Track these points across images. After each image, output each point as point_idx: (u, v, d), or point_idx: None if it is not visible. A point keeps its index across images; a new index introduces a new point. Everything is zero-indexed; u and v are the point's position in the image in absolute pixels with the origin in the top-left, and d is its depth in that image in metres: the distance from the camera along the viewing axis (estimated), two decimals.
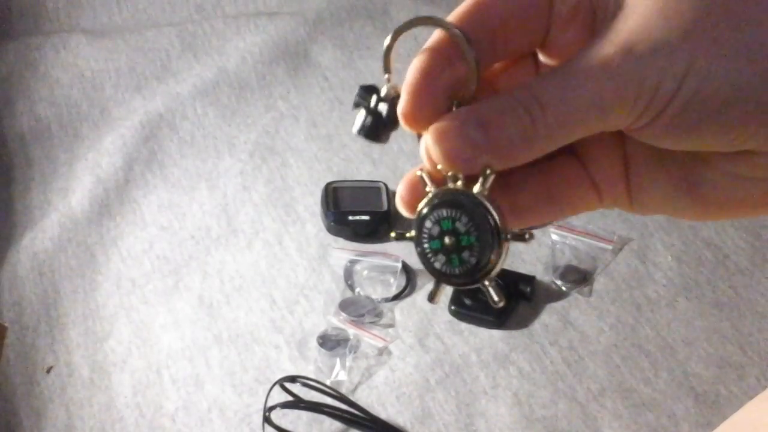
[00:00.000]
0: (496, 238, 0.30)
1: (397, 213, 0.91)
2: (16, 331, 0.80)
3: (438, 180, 0.32)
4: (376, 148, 0.99)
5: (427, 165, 0.33)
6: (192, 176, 0.95)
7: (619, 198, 0.35)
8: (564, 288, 0.85)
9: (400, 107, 0.32)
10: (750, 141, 0.30)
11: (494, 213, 0.30)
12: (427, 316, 0.82)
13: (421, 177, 0.32)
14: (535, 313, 0.83)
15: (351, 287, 0.84)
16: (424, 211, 0.32)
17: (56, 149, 0.97)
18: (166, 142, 0.98)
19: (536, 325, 0.82)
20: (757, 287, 0.86)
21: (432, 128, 0.31)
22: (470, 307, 0.82)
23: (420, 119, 0.32)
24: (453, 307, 0.82)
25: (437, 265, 0.31)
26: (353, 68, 1.09)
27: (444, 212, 0.31)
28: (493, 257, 0.30)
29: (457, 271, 0.31)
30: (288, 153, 0.98)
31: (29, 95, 1.02)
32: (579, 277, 0.86)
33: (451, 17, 0.31)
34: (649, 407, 0.76)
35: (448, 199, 0.31)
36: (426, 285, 0.85)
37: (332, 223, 0.89)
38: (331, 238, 0.89)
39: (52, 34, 1.10)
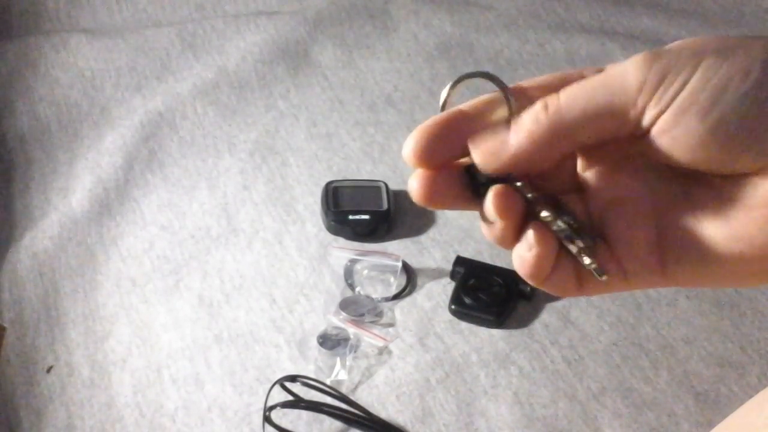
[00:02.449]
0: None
1: (397, 212, 0.91)
2: (16, 331, 0.80)
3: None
4: (376, 147, 0.99)
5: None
6: (192, 176, 0.95)
7: (648, 277, 0.36)
8: None
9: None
10: (745, 158, 0.32)
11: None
12: (428, 315, 0.82)
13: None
14: (535, 312, 0.83)
15: (351, 287, 0.84)
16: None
17: (56, 149, 0.97)
18: (166, 141, 0.98)
19: (536, 325, 0.82)
20: (757, 286, 0.86)
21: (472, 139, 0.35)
22: (470, 307, 0.82)
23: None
24: (453, 307, 0.82)
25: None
26: (353, 68, 1.08)
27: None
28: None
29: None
30: (288, 152, 0.98)
31: (29, 95, 1.02)
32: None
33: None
34: (650, 406, 0.76)
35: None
36: (426, 284, 0.85)
37: (332, 223, 0.89)
38: (331, 238, 0.89)
39: (52, 34, 1.10)
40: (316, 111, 1.03)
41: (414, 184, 0.36)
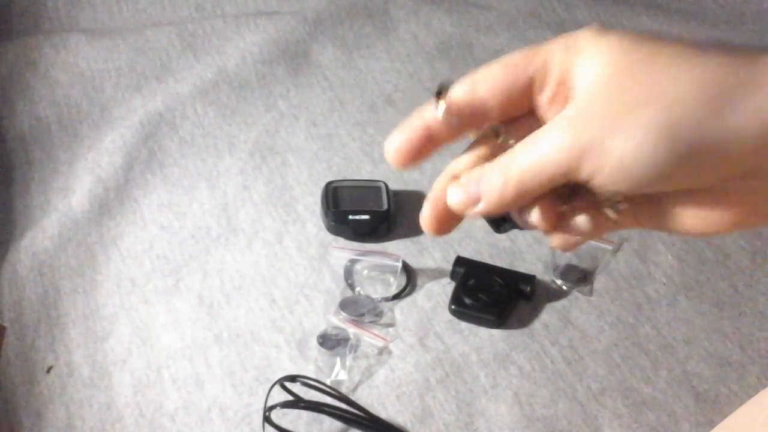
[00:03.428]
0: None
1: (397, 212, 0.91)
2: (16, 331, 0.80)
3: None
4: (376, 147, 0.99)
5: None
6: (192, 176, 0.95)
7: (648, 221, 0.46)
8: (564, 287, 0.85)
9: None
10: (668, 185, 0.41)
11: None
12: (428, 315, 0.82)
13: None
14: (535, 312, 0.83)
15: (351, 287, 0.84)
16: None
17: (56, 149, 0.97)
18: (166, 141, 0.98)
19: (536, 325, 0.82)
20: (757, 286, 0.86)
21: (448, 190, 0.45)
22: (470, 307, 0.82)
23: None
24: (453, 307, 0.82)
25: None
26: (353, 68, 1.09)
27: None
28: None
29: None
30: (288, 152, 0.98)
31: (29, 95, 1.02)
32: (579, 276, 0.86)
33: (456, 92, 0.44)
34: (650, 406, 0.76)
35: None
36: (426, 284, 0.85)
37: (332, 223, 0.89)
38: (331, 238, 0.89)
39: (52, 34, 1.10)
40: (316, 111, 1.03)
41: (425, 223, 0.46)
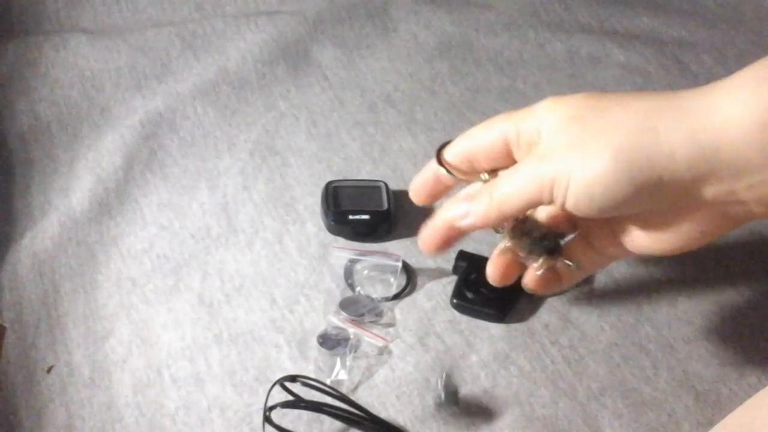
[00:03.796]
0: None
1: (397, 212, 0.91)
2: (16, 331, 0.80)
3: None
4: (376, 147, 0.99)
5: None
6: (192, 175, 0.95)
7: (615, 251, 0.63)
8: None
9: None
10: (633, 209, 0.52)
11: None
12: (428, 315, 0.82)
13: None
14: (536, 307, 0.83)
15: (351, 286, 0.84)
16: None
17: (56, 149, 0.97)
18: (166, 141, 0.98)
19: (537, 324, 0.82)
20: (757, 286, 0.86)
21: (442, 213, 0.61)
22: (472, 301, 0.82)
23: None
24: (455, 301, 0.82)
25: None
26: (353, 68, 1.09)
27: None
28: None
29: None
30: (288, 152, 0.98)
31: (29, 95, 1.02)
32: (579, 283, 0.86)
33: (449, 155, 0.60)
34: (650, 406, 0.76)
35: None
36: (426, 284, 0.85)
37: (332, 223, 0.89)
38: (331, 238, 0.89)
39: (52, 34, 1.10)
40: (316, 111, 1.03)
41: (425, 242, 0.65)
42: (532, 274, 0.66)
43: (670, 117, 0.46)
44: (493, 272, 0.65)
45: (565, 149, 0.49)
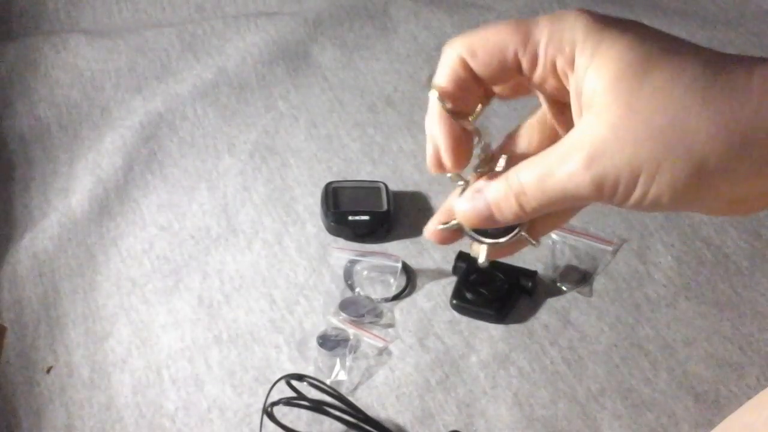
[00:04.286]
0: None
1: (397, 213, 0.91)
2: (16, 331, 0.80)
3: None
4: (376, 148, 0.99)
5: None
6: (192, 176, 0.95)
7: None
8: (564, 288, 0.85)
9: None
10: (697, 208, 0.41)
11: None
12: (427, 316, 0.82)
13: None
14: (536, 308, 0.83)
15: (351, 287, 0.84)
16: None
17: (56, 149, 0.97)
18: (166, 142, 0.98)
19: (536, 325, 0.82)
20: (756, 287, 0.86)
21: (456, 210, 0.45)
22: (472, 301, 0.82)
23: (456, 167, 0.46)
24: (455, 301, 0.82)
25: (488, 231, 0.46)
26: (353, 68, 1.09)
27: None
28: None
29: (503, 230, 0.46)
30: (288, 153, 0.98)
31: (29, 95, 1.02)
32: (579, 277, 0.86)
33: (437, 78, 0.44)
34: (649, 407, 0.76)
35: None
36: (426, 285, 0.85)
37: (332, 223, 0.89)
38: (331, 238, 0.89)
39: (52, 34, 1.10)
40: (316, 112, 1.03)
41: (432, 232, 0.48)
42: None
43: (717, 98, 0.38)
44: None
45: (625, 150, 0.38)
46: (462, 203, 0.44)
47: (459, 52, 0.42)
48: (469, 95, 0.43)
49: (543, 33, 0.41)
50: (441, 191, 0.93)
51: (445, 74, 0.43)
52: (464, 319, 0.82)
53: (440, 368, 0.78)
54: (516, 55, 0.41)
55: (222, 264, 0.87)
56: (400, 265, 0.85)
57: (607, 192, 0.39)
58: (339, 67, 1.08)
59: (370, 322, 0.81)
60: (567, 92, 0.41)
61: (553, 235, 0.88)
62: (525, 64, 0.41)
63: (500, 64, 0.42)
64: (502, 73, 0.42)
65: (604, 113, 0.39)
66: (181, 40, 1.10)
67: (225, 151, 0.98)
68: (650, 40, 0.40)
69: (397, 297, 0.84)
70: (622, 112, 0.38)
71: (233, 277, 0.85)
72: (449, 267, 0.86)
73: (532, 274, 0.84)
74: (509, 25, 0.42)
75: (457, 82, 0.43)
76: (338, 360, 0.78)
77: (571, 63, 0.40)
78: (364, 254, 0.86)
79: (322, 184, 0.92)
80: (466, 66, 0.42)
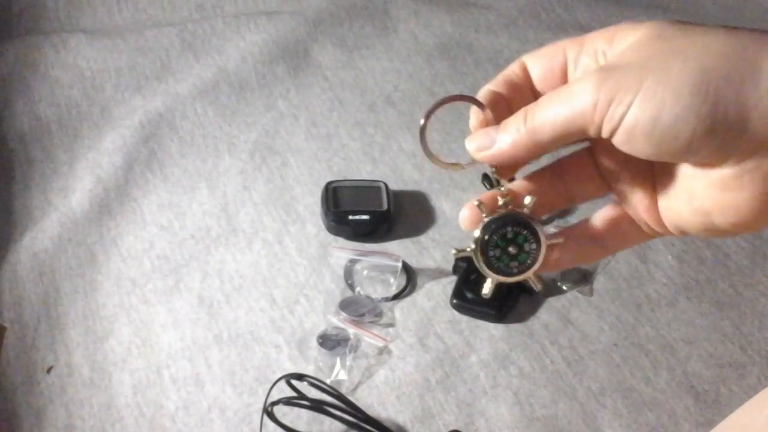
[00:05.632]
0: (543, 246, 0.45)
1: (397, 212, 0.91)
2: (16, 331, 0.80)
3: (490, 207, 0.45)
4: (376, 147, 0.99)
5: (482, 195, 0.46)
6: (192, 176, 0.95)
7: (653, 223, 0.46)
8: (564, 287, 0.85)
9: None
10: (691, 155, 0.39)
11: (540, 229, 0.45)
12: (428, 315, 0.82)
13: (478, 205, 0.45)
14: (536, 308, 0.83)
15: (351, 287, 0.84)
16: (492, 227, 0.45)
17: (56, 149, 0.97)
18: (166, 141, 0.98)
19: (536, 325, 0.82)
20: (757, 286, 0.86)
21: (467, 146, 0.45)
22: (472, 301, 0.82)
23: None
24: (455, 301, 0.82)
25: (499, 266, 0.46)
26: (353, 68, 1.09)
27: (509, 229, 0.45)
28: (540, 258, 0.46)
29: (515, 270, 0.46)
30: (288, 152, 0.98)
31: (29, 95, 1.02)
32: (579, 276, 0.86)
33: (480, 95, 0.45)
34: (650, 406, 0.76)
35: (511, 219, 0.45)
36: (426, 284, 0.85)
37: (332, 223, 0.89)
38: (331, 238, 0.89)
39: (52, 34, 1.10)
40: (316, 111, 1.03)
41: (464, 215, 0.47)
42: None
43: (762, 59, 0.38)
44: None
45: (639, 63, 0.39)
46: (470, 139, 0.45)
47: (524, 59, 0.46)
48: (520, 97, 0.45)
49: (590, 37, 0.43)
50: (441, 191, 0.93)
51: (500, 78, 0.45)
52: (464, 319, 0.82)
53: (440, 368, 0.78)
54: (565, 54, 0.44)
55: (222, 263, 0.86)
56: (400, 264, 0.85)
57: (600, 110, 0.39)
58: (339, 67, 1.08)
59: (371, 322, 0.81)
60: None
61: None
62: (570, 67, 0.44)
63: (550, 63, 0.44)
64: (552, 74, 0.45)
65: (626, 51, 0.40)
66: (182, 39, 1.10)
67: (225, 151, 0.98)
68: (674, 26, 0.42)
69: (397, 296, 0.84)
70: (643, 48, 0.40)
71: (233, 277, 0.85)
72: (449, 266, 0.86)
73: None
74: (571, 38, 0.45)
75: (509, 83, 0.45)
76: (338, 359, 0.78)
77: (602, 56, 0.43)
78: (364, 254, 0.86)
79: (322, 184, 0.92)
80: (524, 67, 0.45)
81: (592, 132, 0.40)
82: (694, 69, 0.38)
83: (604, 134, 0.39)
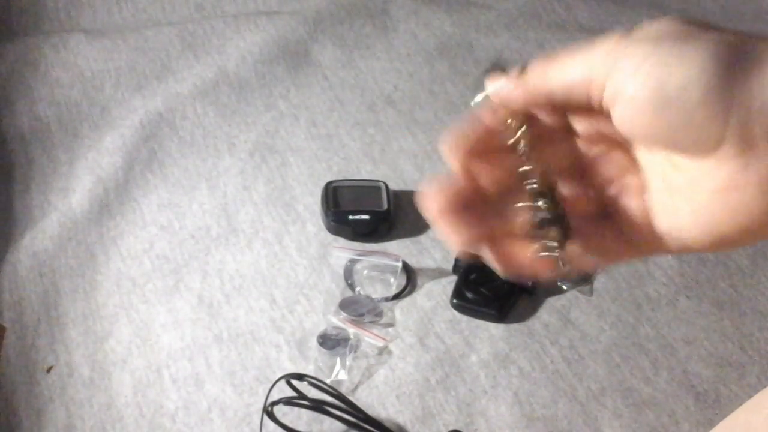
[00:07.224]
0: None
1: (397, 212, 0.91)
2: (16, 331, 0.80)
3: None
4: (376, 147, 0.99)
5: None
6: (192, 176, 0.95)
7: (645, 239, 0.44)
8: (564, 287, 0.85)
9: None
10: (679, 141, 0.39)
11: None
12: (428, 315, 0.82)
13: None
14: (536, 307, 0.83)
15: (351, 286, 0.84)
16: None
17: (56, 149, 0.97)
18: (166, 141, 0.98)
19: (536, 324, 0.82)
20: (757, 286, 0.86)
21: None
22: (472, 301, 0.82)
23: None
24: (455, 301, 0.82)
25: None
26: (353, 68, 1.09)
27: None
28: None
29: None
30: (288, 152, 0.98)
31: (29, 95, 1.02)
32: (579, 276, 0.86)
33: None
34: (650, 406, 0.76)
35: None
36: (426, 284, 0.85)
37: (332, 223, 0.89)
38: (331, 238, 0.89)
39: (52, 34, 1.10)
40: (316, 111, 1.03)
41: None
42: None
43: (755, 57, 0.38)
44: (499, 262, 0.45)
45: (653, 38, 0.39)
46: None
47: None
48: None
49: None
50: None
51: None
52: (464, 319, 0.82)
53: (440, 367, 0.78)
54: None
55: (222, 263, 0.86)
56: (400, 264, 0.85)
57: (600, 72, 0.40)
58: (339, 66, 1.08)
59: (371, 322, 0.81)
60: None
61: None
62: None
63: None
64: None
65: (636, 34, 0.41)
66: (182, 39, 1.10)
67: (225, 151, 0.98)
68: (688, 20, 0.42)
69: (397, 296, 0.84)
70: (650, 33, 0.40)
71: (233, 277, 0.85)
72: (449, 266, 0.86)
73: None
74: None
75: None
76: (338, 359, 0.78)
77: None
78: (364, 253, 0.86)
79: (322, 184, 0.92)
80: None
81: (594, 97, 0.40)
82: (709, 41, 0.38)
83: (605, 103, 0.40)
